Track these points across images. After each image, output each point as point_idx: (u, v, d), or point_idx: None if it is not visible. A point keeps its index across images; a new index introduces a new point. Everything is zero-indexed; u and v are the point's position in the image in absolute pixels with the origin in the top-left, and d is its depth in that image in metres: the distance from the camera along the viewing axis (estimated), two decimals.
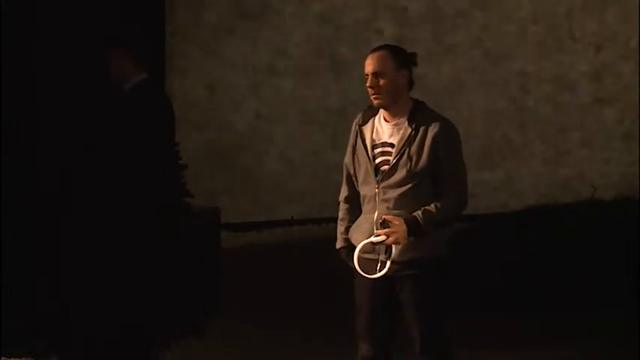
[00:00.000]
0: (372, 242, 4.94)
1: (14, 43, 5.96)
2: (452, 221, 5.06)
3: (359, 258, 5.03)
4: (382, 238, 4.92)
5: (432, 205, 4.94)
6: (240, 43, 10.67)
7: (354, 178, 5.17)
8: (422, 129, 4.98)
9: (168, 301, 5.96)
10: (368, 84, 5.01)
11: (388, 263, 4.94)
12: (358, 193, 5.16)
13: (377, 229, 4.96)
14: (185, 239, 6.08)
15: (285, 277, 9.12)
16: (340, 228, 5.23)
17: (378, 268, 4.98)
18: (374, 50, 5.08)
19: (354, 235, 5.10)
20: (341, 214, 5.25)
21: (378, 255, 4.99)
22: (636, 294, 8.09)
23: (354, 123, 5.15)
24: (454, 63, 11.23)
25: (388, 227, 4.92)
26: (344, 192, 5.23)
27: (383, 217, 4.93)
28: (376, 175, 5.01)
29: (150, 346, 6.03)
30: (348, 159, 5.19)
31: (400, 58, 5.05)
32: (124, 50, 6.32)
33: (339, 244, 5.22)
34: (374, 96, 5.01)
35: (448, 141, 5.01)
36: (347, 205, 5.22)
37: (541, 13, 11.42)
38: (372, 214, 5.02)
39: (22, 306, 5.78)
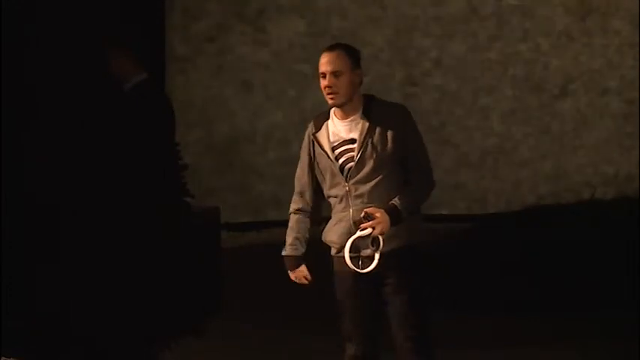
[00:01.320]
0: (360, 237, 4.92)
1: (14, 43, 5.96)
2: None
3: (336, 258, 5.04)
4: (369, 230, 4.91)
5: (406, 191, 4.95)
6: (240, 42, 10.68)
7: (308, 190, 5.13)
8: (380, 118, 4.98)
9: (168, 301, 5.96)
10: (326, 83, 4.97)
11: (377, 255, 4.92)
12: (311, 206, 5.15)
13: (355, 224, 4.93)
14: (185, 239, 6.08)
15: (285, 277, 9.10)
16: (288, 238, 5.18)
17: (360, 264, 4.97)
18: (329, 49, 5.03)
19: (329, 237, 5.07)
20: (290, 224, 5.20)
21: (359, 252, 4.98)
22: (636, 294, 8.09)
23: (307, 134, 5.12)
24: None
25: (371, 220, 4.92)
26: (294, 204, 5.19)
27: (365, 210, 4.92)
28: (343, 174, 5.00)
29: (150, 346, 6.03)
30: (300, 172, 5.16)
31: (355, 56, 5.04)
32: (124, 50, 6.33)
33: (285, 252, 5.19)
34: (331, 95, 4.97)
35: (409, 125, 5.02)
36: (297, 216, 5.18)
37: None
38: (346, 212, 5.00)
39: (22, 306, 5.78)
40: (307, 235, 5.17)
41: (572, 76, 11.55)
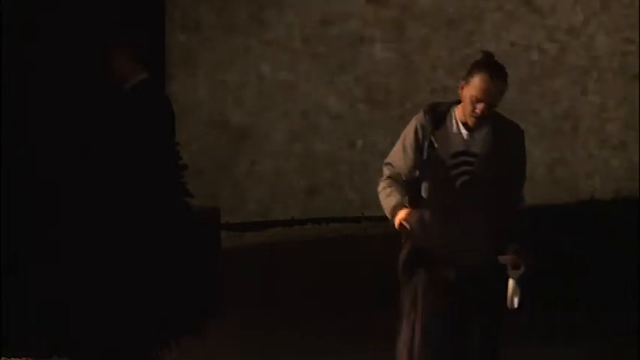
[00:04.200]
0: None
1: (14, 43, 5.96)
2: None
3: None
4: None
5: None
6: (240, 42, 10.68)
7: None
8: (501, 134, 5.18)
9: (168, 300, 5.96)
10: (479, 110, 4.93)
11: None
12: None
13: None
14: (185, 239, 6.08)
15: (285, 277, 9.12)
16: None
17: None
18: (496, 76, 4.90)
19: None
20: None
21: None
22: (636, 294, 8.09)
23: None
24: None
25: None
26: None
27: None
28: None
29: (150, 345, 6.03)
30: None
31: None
32: (124, 50, 6.33)
33: None
34: (476, 119, 4.99)
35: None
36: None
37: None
38: None
39: (23, 306, 5.78)
40: None
41: (570, 76, 11.57)
